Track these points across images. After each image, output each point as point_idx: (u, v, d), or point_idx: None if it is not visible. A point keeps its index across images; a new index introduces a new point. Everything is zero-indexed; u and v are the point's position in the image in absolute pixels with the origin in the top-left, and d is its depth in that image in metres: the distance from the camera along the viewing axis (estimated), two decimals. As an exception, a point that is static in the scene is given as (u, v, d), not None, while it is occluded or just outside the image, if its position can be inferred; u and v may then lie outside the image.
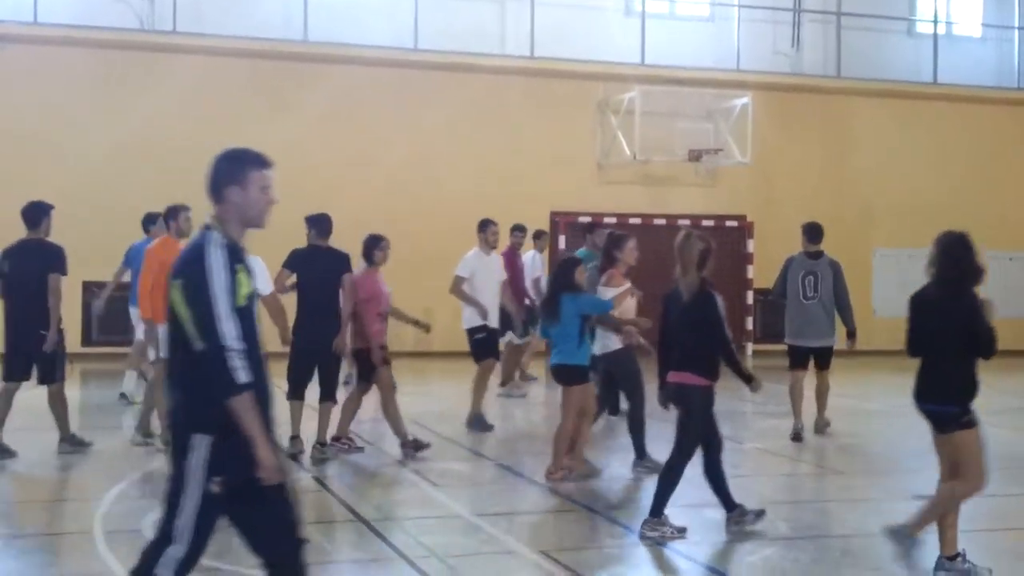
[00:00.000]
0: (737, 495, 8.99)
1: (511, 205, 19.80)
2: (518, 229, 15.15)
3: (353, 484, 9.13)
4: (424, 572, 6.67)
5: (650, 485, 9.34)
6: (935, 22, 23.02)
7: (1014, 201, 22.68)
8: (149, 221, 14.58)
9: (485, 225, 12.60)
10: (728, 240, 21.17)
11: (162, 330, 10.16)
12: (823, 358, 11.87)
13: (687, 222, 20.61)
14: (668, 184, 20.89)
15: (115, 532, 7.43)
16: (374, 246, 10.46)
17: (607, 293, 9.51)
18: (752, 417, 13.27)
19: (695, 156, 20.37)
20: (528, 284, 15.10)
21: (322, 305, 10.03)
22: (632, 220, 19.88)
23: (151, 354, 10.28)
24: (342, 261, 10.18)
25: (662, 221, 20.29)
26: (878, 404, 14.99)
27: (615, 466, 10.26)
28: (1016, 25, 23.51)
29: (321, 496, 8.70)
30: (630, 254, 9.56)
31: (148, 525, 7.50)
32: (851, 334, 11.93)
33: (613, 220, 18.88)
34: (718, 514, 8.35)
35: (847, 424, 13.73)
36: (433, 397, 14.57)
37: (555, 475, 9.18)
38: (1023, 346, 21.91)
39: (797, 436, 11.53)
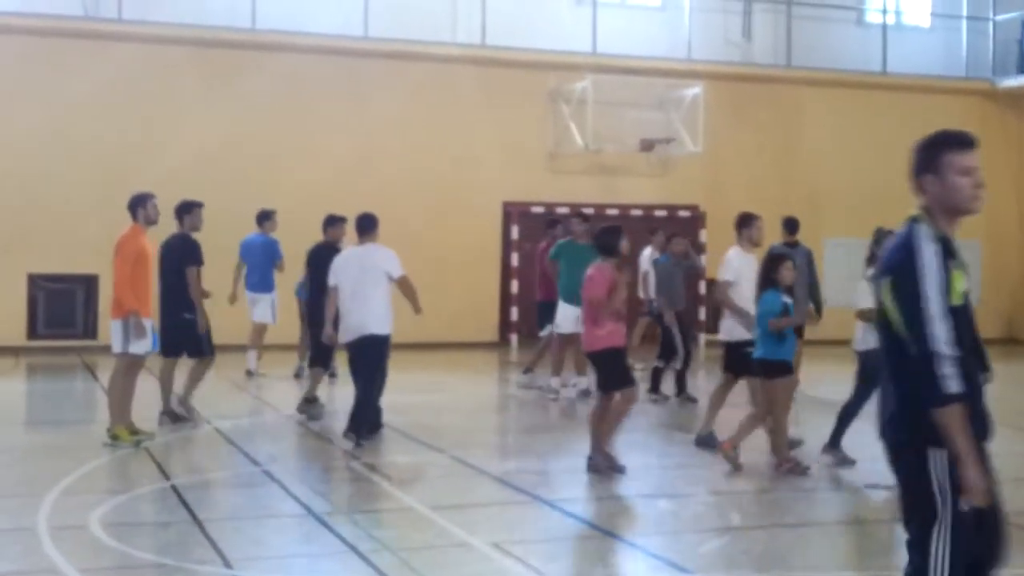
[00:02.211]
0: (686, 486, 9.08)
1: (462, 195, 19.81)
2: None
3: (304, 478, 9.04)
4: (375, 566, 6.61)
5: (596, 478, 9.37)
6: (884, 12, 23.19)
7: (963, 189, 22.93)
8: (264, 217, 14.93)
9: (750, 220, 10.45)
10: (680, 230, 21.24)
11: (114, 325, 10.03)
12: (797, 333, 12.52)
13: (639, 212, 20.76)
14: (620, 174, 20.90)
15: (60, 528, 7.30)
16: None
17: None
18: (702, 408, 13.27)
19: (647, 146, 20.40)
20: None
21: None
22: (584, 210, 19.82)
23: (115, 346, 10.09)
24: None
25: (614, 211, 20.31)
26: (827, 393, 15.06)
27: (569, 457, 10.26)
28: (964, 15, 23.73)
29: (271, 489, 8.61)
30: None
31: (94, 521, 7.40)
32: (818, 311, 13.23)
33: (566, 210, 18.87)
34: (671, 505, 8.40)
35: (799, 414, 13.83)
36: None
37: (781, 468, 9.28)
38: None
39: None
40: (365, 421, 10.34)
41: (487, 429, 11.76)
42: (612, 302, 9.09)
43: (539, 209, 20.00)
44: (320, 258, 11.75)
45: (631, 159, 20.69)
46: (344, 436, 10.23)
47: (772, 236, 16.09)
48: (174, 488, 8.50)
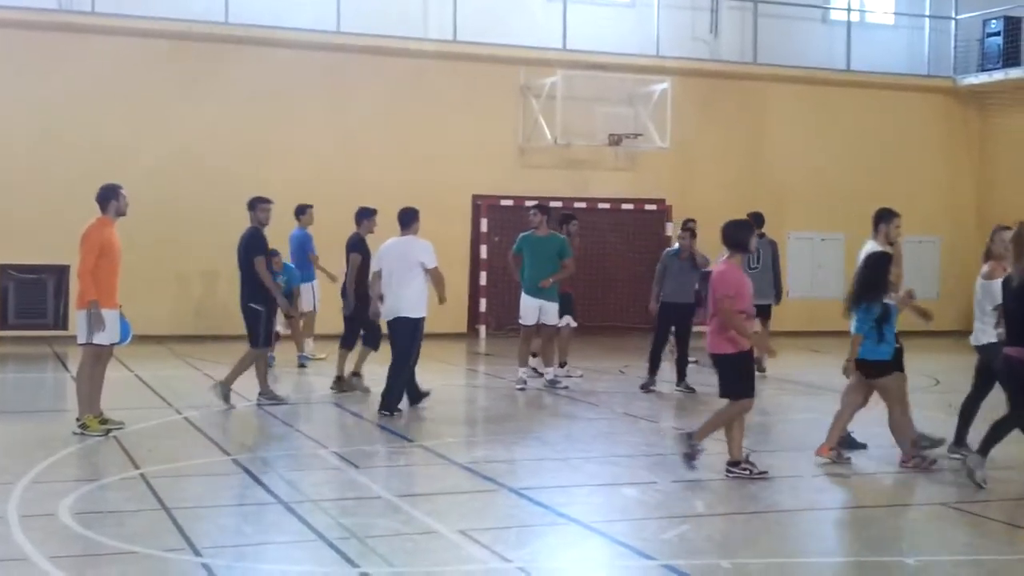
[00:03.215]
0: (653, 473, 9.22)
1: (433, 189, 19.85)
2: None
3: (273, 466, 9.11)
4: (343, 553, 6.70)
5: (562, 466, 9.50)
6: (848, 10, 23.43)
7: (924, 185, 23.21)
8: (300, 211, 15.35)
9: (889, 216, 10.36)
10: (647, 223, 21.45)
11: (79, 315, 10.06)
12: (762, 313, 14.39)
13: (607, 206, 20.91)
14: (588, 168, 21.05)
15: (30, 516, 7.35)
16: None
17: None
18: (668, 397, 13.45)
19: (615, 140, 20.54)
20: None
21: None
22: (553, 203, 19.96)
23: (80, 337, 10.12)
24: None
25: (582, 204, 20.44)
26: (793, 383, 15.29)
27: (536, 445, 10.38)
28: (927, 13, 24.00)
29: (240, 478, 8.68)
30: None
31: (64, 510, 7.46)
32: (778, 296, 15.39)
33: (534, 203, 18.99)
34: (634, 492, 8.53)
35: (762, 402, 14.02)
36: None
37: (908, 463, 9.29)
38: (932, 327, 22.57)
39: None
40: (397, 395, 11.46)
41: (455, 419, 11.86)
42: (742, 302, 8.72)
43: (508, 203, 20.11)
44: (358, 247, 12.89)
45: (599, 153, 20.83)
46: (378, 413, 11.32)
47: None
48: (143, 477, 8.56)
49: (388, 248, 11.64)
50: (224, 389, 11.83)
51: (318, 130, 19.56)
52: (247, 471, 8.85)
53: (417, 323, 11.49)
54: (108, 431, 10.07)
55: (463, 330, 20.34)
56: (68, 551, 6.71)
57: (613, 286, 20.25)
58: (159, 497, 7.92)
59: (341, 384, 12.97)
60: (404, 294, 11.38)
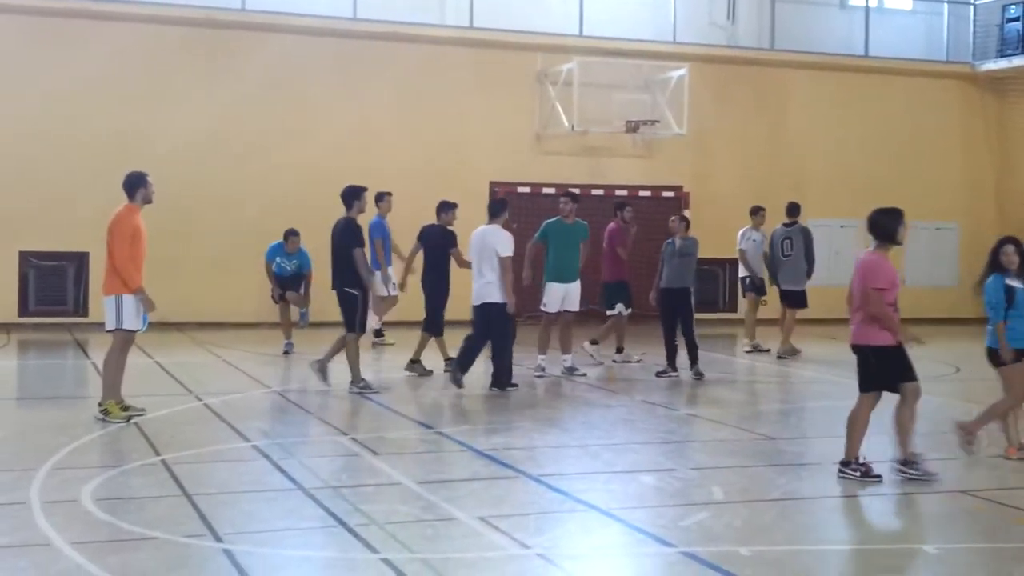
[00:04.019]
0: (671, 460, 9.22)
1: (449, 175, 19.88)
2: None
3: (293, 453, 9.15)
4: (364, 539, 6.73)
5: (581, 453, 9.52)
6: (868, -4, 23.33)
7: (941, 172, 23.11)
8: (378, 199, 15.38)
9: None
10: (664, 210, 21.36)
11: (107, 302, 10.11)
12: (788, 299, 16.13)
13: (624, 193, 20.87)
14: (605, 155, 21.02)
15: (52, 502, 7.41)
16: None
17: None
18: (685, 384, 13.45)
19: (632, 127, 20.50)
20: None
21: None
22: (570, 190, 19.95)
23: (109, 323, 10.19)
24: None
25: (600, 191, 20.42)
26: (810, 371, 15.27)
27: (555, 433, 10.40)
28: (946, -1, 23.90)
29: (260, 464, 8.73)
30: None
31: (86, 495, 7.51)
32: (808, 274, 16.26)
33: (552, 190, 19.00)
34: (652, 479, 8.54)
35: (779, 391, 14.04)
36: (370, 366, 14.57)
37: (1013, 452, 9.22)
38: (947, 314, 22.56)
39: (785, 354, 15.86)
40: (504, 376, 12.30)
41: (474, 406, 11.86)
42: (892, 295, 8.45)
43: (525, 189, 20.10)
44: (431, 237, 13.61)
45: (617, 140, 20.79)
46: (490, 388, 12.27)
47: (747, 221, 16.56)
48: (164, 463, 8.61)
49: (474, 237, 12.34)
50: (321, 366, 12.29)
51: (334, 117, 19.58)
52: (267, 457, 8.90)
53: (503, 307, 12.12)
54: (129, 418, 10.14)
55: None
56: (90, 536, 6.76)
57: (631, 273, 20.23)
58: (180, 483, 7.98)
59: (415, 367, 13.56)
60: (488, 280, 12.10)
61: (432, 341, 13.62)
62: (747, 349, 16.25)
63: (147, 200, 10.33)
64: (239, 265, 18.02)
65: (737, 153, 21.83)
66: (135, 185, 10.27)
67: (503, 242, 12.14)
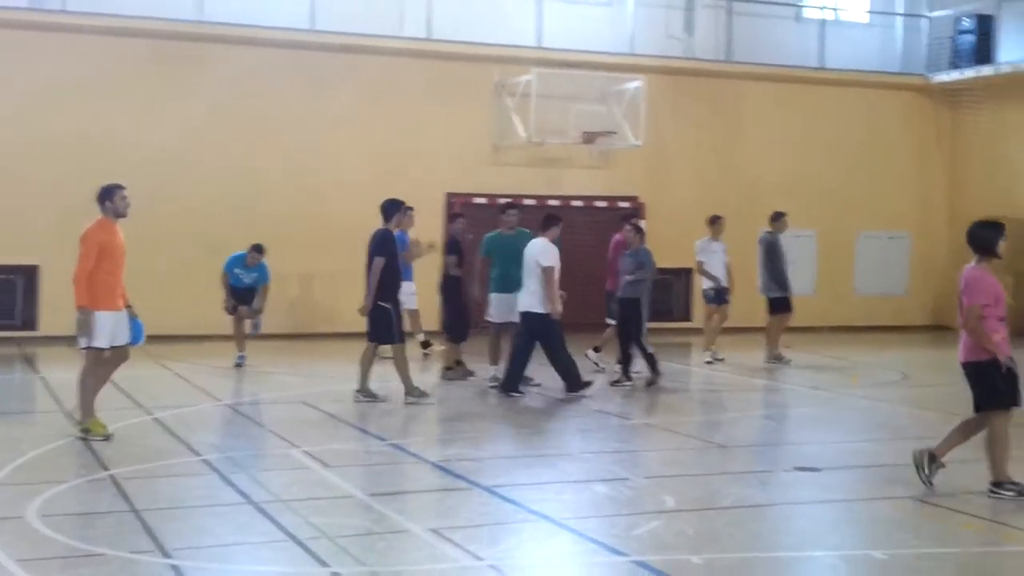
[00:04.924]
0: (625, 469, 9.22)
1: (407, 187, 19.74)
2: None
3: (243, 466, 9.07)
4: (314, 553, 6.69)
5: (535, 463, 9.51)
6: (822, 8, 23.50)
7: (894, 182, 23.32)
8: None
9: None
10: (620, 221, 21.44)
11: (103, 317, 9.94)
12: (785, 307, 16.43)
13: (580, 203, 20.93)
14: (562, 166, 21.05)
15: (-3, 519, 7.31)
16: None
17: None
18: (640, 393, 13.47)
19: (589, 138, 20.54)
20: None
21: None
22: (526, 201, 19.98)
23: (81, 341, 9.96)
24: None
25: (556, 202, 20.46)
26: (763, 379, 15.35)
27: (508, 443, 10.39)
28: (900, 11, 24.10)
29: (210, 479, 8.64)
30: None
31: (32, 512, 7.41)
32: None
33: (508, 201, 18.99)
34: (605, 488, 8.54)
35: (733, 400, 14.11)
36: (322, 378, 14.52)
37: None
38: (897, 322, 22.82)
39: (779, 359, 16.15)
40: (568, 379, 12.82)
41: (427, 417, 11.83)
42: (1000, 309, 8.24)
43: (482, 200, 20.08)
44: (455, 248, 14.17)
45: (573, 151, 20.82)
46: (566, 392, 12.78)
47: (703, 231, 16.65)
48: (113, 478, 8.51)
49: (526, 249, 12.97)
50: (365, 393, 12.30)
51: (294, 128, 19.48)
52: (217, 472, 8.82)
53: (541, 317, 12.64)
54: (108, 436, 9.92)
55: (435, 328, 20.27)
56: (37, 554, 6.65)
57: (586, 283, 20.24)
58: (128, 499, 7.88)
59: (448, 373, 14.09)
60: (531, 291, 12.72)
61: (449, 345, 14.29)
62: (707, 360, 16.29)
63: (118, 214, 10.02)
64: (195, 278, 17.84)
65: (693, 164, 21.94)
66: (103, 198, 10.04)
67: (545, 253, 12.68)
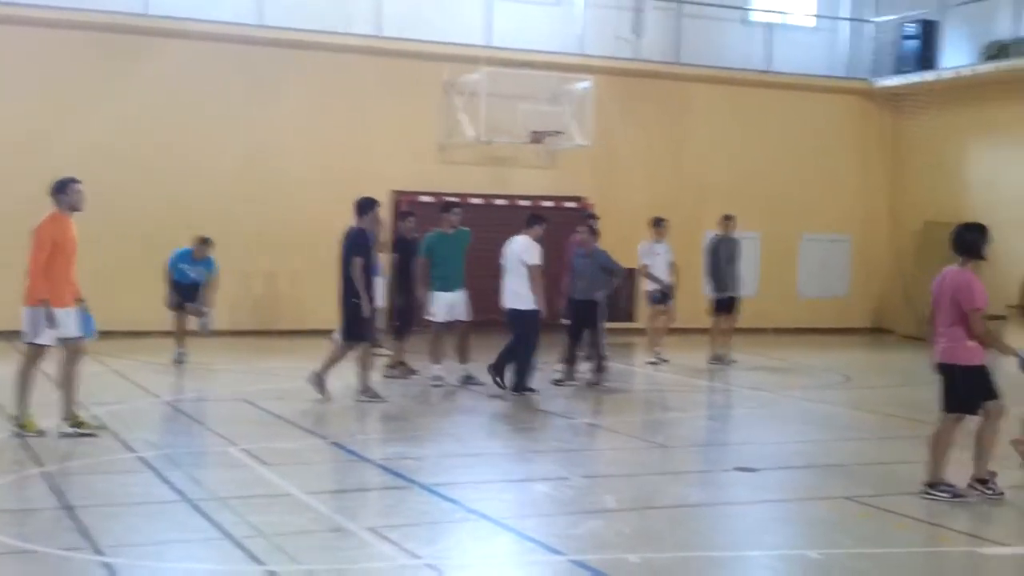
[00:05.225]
0: (565, 469, 9.22)
1: (353, 184, 19.65)
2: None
3: (180, 463, 8.98)
4: (249, 551, 6.62)
5: (475, 462, 9.49)
6: (769, 12, 23.67)
7: (838, 185, 23.54)
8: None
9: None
10: (567, 221, 21.47)
11: (24, 313, 9.76)
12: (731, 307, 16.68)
13: (527, 203, 20.92)
14: (510, 165, 21.04)
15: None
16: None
17: None
18: (582, 393, 13.49)
19: (537, 138, 20.55)
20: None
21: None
22: (474, 200, 19.96)
23: (29, 336, 9.77)
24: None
25: (503, 201, 20.46)
26: (706, 380, 15.44)
27: (449, 442, 10.36)
28: (845, 16, 24.34)
29: (145, 476, 8.54)
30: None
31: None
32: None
33: (455, 200, 18.96)
34: (545, 488, 8.54)
35: (674, 400, 14.19)
36: (266, 375, 14.40)
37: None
38: (838, 324, 23.07)
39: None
40: (519, 378, 12.87)
41: (369, 415, 11.77)
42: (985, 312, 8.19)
43: (429, 199, 20.04)
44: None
45: (521, 151, 20.82)
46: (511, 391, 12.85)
47: (645, 231, 16.68)
48: (46, 475, 8.38)
49: (506, 247, 13.15)
50: (368, 393, 12.20)
51: (240, 124, 19.30)
52: (153, 468, 8.71)
53: (524, 314, 12.77)
54: (40, 432, 9.75)
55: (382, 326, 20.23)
56: (-36, 551, 6.55)
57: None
58: (62, 495, 7.77)
59: (391, 371, 14.08)
60: (514, 289, 12.89)
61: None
62: (651, 360, 16.35)
63: (73, 208, 9.88)
64: (136, 273, 17.62)
65: (640, 165, 22.02)
66: (56, 191, 9.89)
67: (529, 251, 12.85)
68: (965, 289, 8.15)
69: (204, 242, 15.15)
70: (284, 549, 6.69)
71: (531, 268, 12.78)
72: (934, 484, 8.32)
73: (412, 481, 8.50)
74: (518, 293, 12.86)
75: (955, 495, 8.25)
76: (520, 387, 12.87)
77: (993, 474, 8.39)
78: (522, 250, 12.88)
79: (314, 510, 7.62)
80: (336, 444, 10.02)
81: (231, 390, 12.96)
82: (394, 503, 8.02)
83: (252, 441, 9.83)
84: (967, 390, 8.28)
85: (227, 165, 19.07)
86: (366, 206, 12.48)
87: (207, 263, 15.16)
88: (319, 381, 12.19)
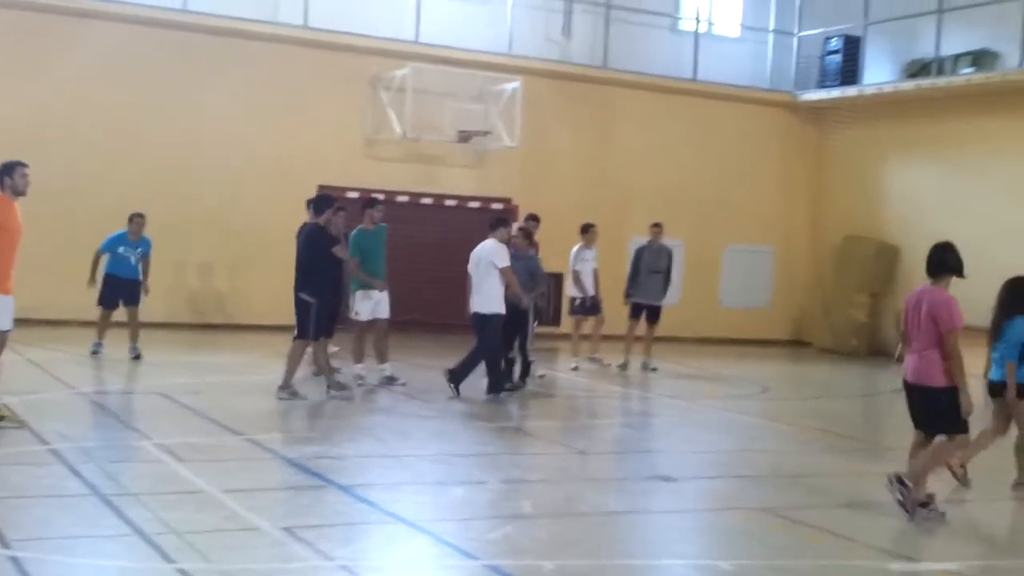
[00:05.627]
0: (484, 472, 9.22)
1: (277, 177, 19.56)
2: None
3: (93, 457, 8.81)
4: (160, 548, 6.51)
5: (393, 464, 9.45)
6: (697, 20, 23.89)
7: (760, 196, 23.87)
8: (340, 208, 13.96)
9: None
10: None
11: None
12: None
13: (453, 203, 20.90)
14: (436, 163, 21.00)
15: None
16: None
17: None
18: (505, 398, 13.48)
19: (464, 137, 20.53)
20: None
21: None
22: (400, 198, 19.88)
23: None
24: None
25: (429, 200, 20.40)
26: (626, 387, 15.54)
27: (368, 443, 10.30)
28: (771, 28, 24.66)
29: (57, 469, 8.36)
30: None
31: None
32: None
33: (381, 196, 18.86)
34: (463, 491, 8.52)
35: (596, 407, 14.25)
36: (190, 369, 14.20)
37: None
38: (763, 335, 23.35)
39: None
40: (495, 380, 13.01)
41: (288, 413, 11.66)
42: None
43: (354, 194, 19.91)
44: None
45: (448, 149, 20.80)
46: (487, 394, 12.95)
47: (574, 236, 16.71)
48: (-48, 466, 8.18)
49: (474, 251, 13.22)
50: (288, 391, 12.03)
51: (161, 110, 19.02)
52: (65, 462, 8.54)
53: (489, 318, 12.88)
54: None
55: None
56: None
57: (454, 283, 20.21)
58: (-32, 488, 7.59)
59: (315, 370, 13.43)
60: (481, 291, 12.95)
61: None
62: (572, 367, 16.38)
63: (17, 191, 9.68)
64: (62, 261, 17.25)
65: (567, 167, 22.10)
66: (0, 175, 9.67)
67: (498, 254, 12.96)
68: (944, 308, 8.11)
69: (139, 218, 14.74)
70: (196, 547, 6.59)
71: (502, 271, 12.89)
72: (924, 504, 8.31)
73: (329, 481, 8.44)
74: (490, 296, 12.95)
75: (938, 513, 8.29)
76: (496, 388, 12.99)
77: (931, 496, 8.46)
78: (490, 253, 12.98)
79: (228, 508, 7.52)
80: (254, 442, 9.90)
81: (152, 383, 12.74)
82: (310, 503, 7.95)
83: (168, 436, 9.68)
84: (953, 410, 8.19)
85: (145, 154, 18.79)
86: (324, 204, 12.51)
87: (144, 243, 14.80)
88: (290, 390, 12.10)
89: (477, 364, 13.05)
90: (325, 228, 12.38)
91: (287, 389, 12.07)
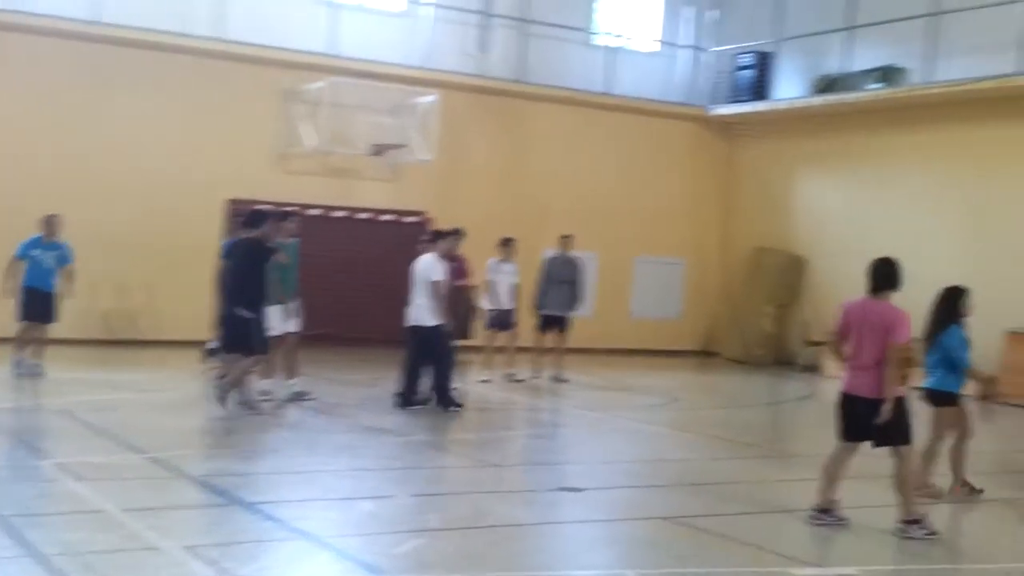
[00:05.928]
0: (393, 486, 9.16)
1: (186, 190, 19.29)
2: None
3: (-10, 478, 8.60)
4: (57, 569, 6.37)
5: (300, 480, 9.35)
6: (610, 35, 24.08)
7: (672, 209, 24.09)
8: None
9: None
10: (407, 236, 21.42)
11: None
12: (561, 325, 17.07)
13: (367, 216, 20.79)
14: (350, 177, 20.87)
15: None
16: None
17: None
18: (413, 412, 13.41)
19: (378, 151, 20.45)
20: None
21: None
22: (312, 211, 19.72)
23: None
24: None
25: (342, 213, 20.28)
26: (536, 399, 15.57)
27: (274, 458, 10.19)
28: (684, 44, 24.94)
29: (-49, 491, 8.15)
30: None
31: None
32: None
33: (294, 210, 18.70)
34: (371, 506, 8.46)
35: (507, 419, 14.26)
36: (93, 386, 13.93)
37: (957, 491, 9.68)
38: (670, 346, 23.59)
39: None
40: (441, 394, 13.18)
41: (191, 429, 11.48)
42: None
43: (266, 208, 19.71)
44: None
45: (362, 163, 20.69)
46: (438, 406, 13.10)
47: (490, 250, 16.73)
48: None
49: (414, 265, 13.37)
50: (244, 400, 12.07)
51: (70, 122, 18.66)
52: (-41, 482, 8.32)
53: (431, 330, 13.07)
54: None
55: (209, 338, 19.79)
56: None
57: (367, 297, 20.12)
58: None
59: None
60: (420, 304, 13.13)
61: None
62: (483, 379, 16.35)
63: None
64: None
65: (483, 181, 22.12)
66: None
67: (433, 268, 13.13)
68: (897, 322, 8.17)
69: (53, 218, 14.35)
70: (94, 568, 6.45)
71: (434, 284, 13.06)
72: (916, 521, 8.30)
73: (234, 499, 8.32)
74: (427, 309, 13.10)
75: (930, 533, 8.27)
76: (446, 402, 13.17)
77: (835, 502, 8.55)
78: (428, 267, 13.17)
79: (128, 527, 7.37)
80: (157, 460, 9.72)
81: (56, 401, 12.46)
82: (213, 521, 7.84)
83: (67, 455, 9.49)
84: (907, 419, 8.30)
85: (54, 166, 18.42)
86: (258, 218, 12.44)
87: (61, 247, 14.40)
88: (238, 399, 12.08)
89: (449, 375, 13.32)
90: (262, 241, 12.26)
91: (247, 404, 12.14)
